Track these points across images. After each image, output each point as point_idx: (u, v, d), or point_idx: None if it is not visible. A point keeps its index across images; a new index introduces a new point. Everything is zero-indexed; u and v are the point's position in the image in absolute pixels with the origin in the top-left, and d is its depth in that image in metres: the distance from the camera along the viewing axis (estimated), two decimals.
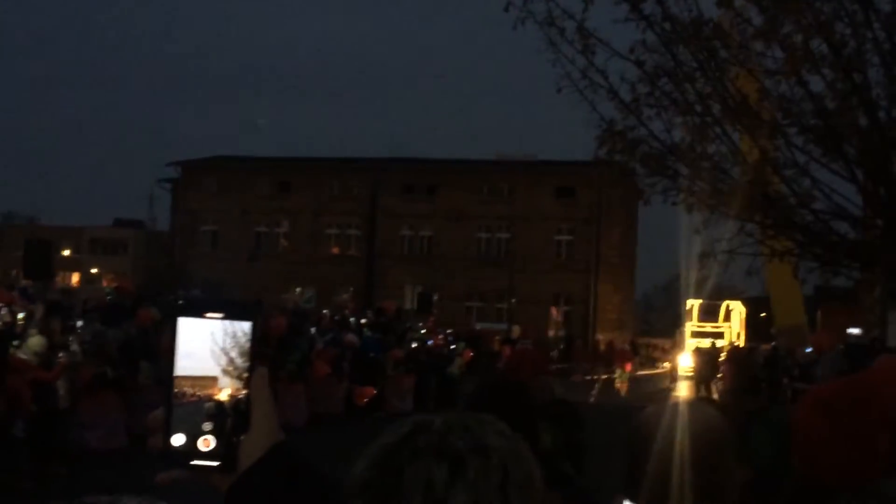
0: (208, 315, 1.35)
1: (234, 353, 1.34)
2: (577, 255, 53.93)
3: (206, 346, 1.34)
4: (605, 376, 42.04)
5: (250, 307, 1.37)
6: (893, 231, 11.49)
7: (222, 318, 1.35)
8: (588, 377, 42.77)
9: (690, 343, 42.62)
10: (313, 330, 24.42)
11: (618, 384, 37.32)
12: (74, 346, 15.00)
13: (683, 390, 34.07)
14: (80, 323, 16.59)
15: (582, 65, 12.17)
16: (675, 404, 2.25)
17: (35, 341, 13.54)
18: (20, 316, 14.97)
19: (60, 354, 14.05)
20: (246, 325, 1.35)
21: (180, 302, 1.39)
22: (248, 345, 1.35)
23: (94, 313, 17.79)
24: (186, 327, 1.35)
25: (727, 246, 12.13)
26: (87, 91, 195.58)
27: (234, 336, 1.34)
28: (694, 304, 45.97)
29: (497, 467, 1.23)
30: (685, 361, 40.30)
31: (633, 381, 38.40)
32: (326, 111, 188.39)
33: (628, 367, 39.44)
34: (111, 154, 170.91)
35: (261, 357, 1.38)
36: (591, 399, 31.41)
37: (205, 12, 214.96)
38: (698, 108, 11.92)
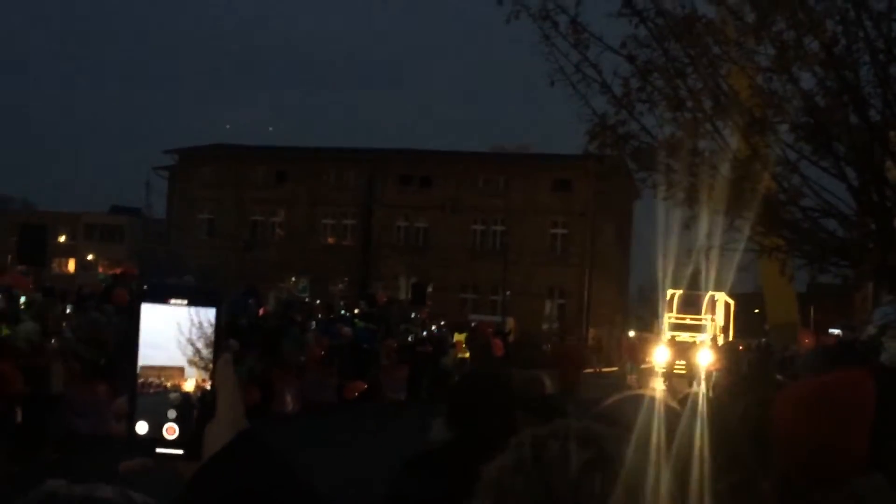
0: (172, 301, 1.32)
1: (199, 344, 1.32)
2: (571, 249, 53.91)
3: (171, 336, 1.32)
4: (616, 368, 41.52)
5: (214, 293, 1.34)
6: (885, 232, 11.50)
7: (186, 305, 1.32)
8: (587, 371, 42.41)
9: (668, 336, 40.76)
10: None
11: (630, 378, 36.79)
12: (67, 333, 15.04)
13: (661, 386, 33.54)
14: (69, 308, 16.59)
15: (575, 59, 12.19)
16: (634, 397, 2.27)
17: (27, 327, 13.55)
18: (22, 300, 14.90)
19: (53, 341, 14.08)
20: (210, 313, 1.33)
21: (144, 287, 1.38)
22: (213, 335, 1.32)
23: (91, 301, 17.77)
24: (149, 314, 1.32)
25: (716, 242, 12.14)
26: (87, 77, 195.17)
27: (200, 326, 1.32)
28: (675, 293, 44.54)
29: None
30: (662, 356, 38.54)
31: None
32: (324, 102, 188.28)
33: (636, 360, 39.02)
34: (109, 141, 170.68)
35: (226, 346, 1.37)
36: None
37: (203, 1, 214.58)
38: (689, 103, 11.95)
